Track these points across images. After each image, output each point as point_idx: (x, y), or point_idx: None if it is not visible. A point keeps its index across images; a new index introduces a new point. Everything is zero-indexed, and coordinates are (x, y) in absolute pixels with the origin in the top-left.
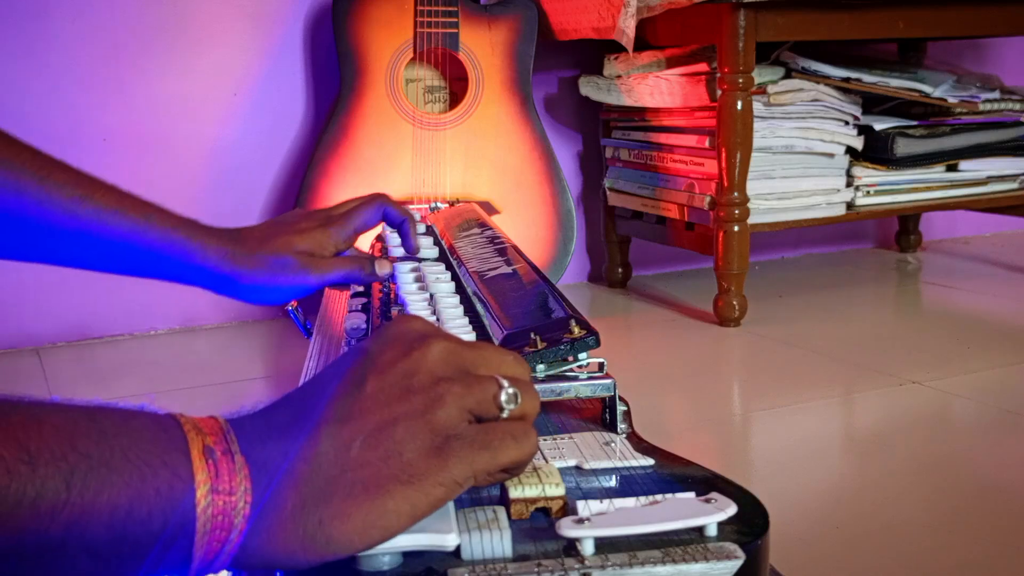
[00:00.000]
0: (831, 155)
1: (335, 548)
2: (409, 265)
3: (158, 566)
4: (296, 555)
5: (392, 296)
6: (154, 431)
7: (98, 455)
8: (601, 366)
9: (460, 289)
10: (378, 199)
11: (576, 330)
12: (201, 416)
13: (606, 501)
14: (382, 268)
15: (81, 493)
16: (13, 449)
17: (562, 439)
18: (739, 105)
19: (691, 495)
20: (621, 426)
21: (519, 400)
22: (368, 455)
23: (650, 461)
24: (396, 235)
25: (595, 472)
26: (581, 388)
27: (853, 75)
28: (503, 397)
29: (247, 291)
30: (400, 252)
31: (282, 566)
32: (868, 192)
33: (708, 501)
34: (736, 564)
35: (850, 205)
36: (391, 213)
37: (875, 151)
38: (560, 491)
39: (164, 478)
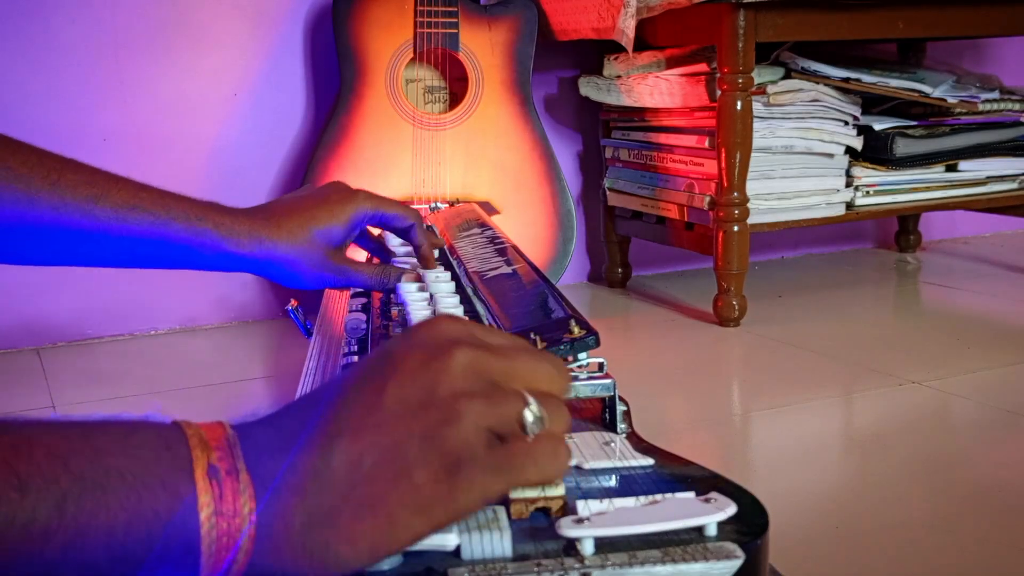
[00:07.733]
0: (831, 155)
1: (343, 565)
2: (409, 262)
3: None
4: (303, 571)
5: (392, 296)
6: (155, 448)
7: (92, 476)
8: (601, 366)
9: (460, 289)
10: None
11: (576, 330)
12: (207, 423)
13: (606, 501)
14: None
15: (75, 516)
16: (2, 473)
17: None
18: (739, 105)
19: (691, 495)
20: (621, 426)
21: (545, 423)
22: (378, 473)
23: (650, 461)
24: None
25: (595, 472)
26: (581, 388)
27: (853, 75)
28: (529, 418)
29: (286, 276)
30: (402, 250)
31: None
32: (868, 192)
33: (708, 501)
34: (736, 564)
35: (850, 205)
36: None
37: (875, 151)
38: (560, 491)
39: (163, 499)
